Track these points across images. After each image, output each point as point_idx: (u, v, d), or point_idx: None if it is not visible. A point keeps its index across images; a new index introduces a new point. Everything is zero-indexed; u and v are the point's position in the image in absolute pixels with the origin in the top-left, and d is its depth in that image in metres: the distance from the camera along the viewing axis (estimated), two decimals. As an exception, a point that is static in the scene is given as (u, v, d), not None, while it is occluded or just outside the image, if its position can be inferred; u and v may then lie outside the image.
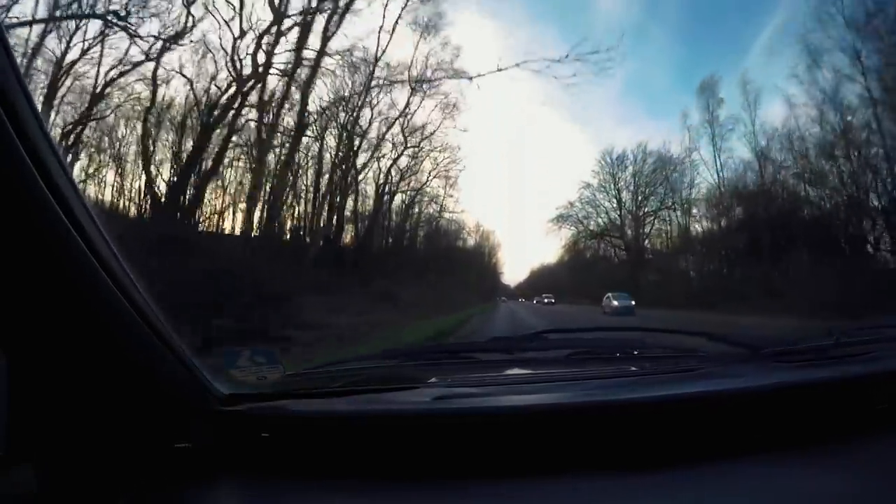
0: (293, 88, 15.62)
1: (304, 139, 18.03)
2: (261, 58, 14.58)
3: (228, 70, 14.53)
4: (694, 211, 28.74)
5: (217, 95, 14.73)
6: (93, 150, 15.41)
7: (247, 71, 14.46)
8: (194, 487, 0.64)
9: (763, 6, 39.91)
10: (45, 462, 0.59)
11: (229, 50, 14.54)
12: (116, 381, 0.61)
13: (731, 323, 9.94)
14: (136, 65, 13.78)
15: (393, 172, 23.61)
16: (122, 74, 13.94)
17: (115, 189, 16.60)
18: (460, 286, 27.36)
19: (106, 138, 15.85)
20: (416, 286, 19.60)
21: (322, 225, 20.23)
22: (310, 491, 0.63)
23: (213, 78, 14.87)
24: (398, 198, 24.99)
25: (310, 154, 19.96)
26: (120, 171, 16.46)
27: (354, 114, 19.75)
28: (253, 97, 14.84)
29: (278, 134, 16.25)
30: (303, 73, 15.63)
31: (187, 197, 14.34)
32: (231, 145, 15.29)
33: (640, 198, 32.19)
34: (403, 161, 23.72)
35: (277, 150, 17.32)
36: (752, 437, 0.65)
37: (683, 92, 47.06)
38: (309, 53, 15.40)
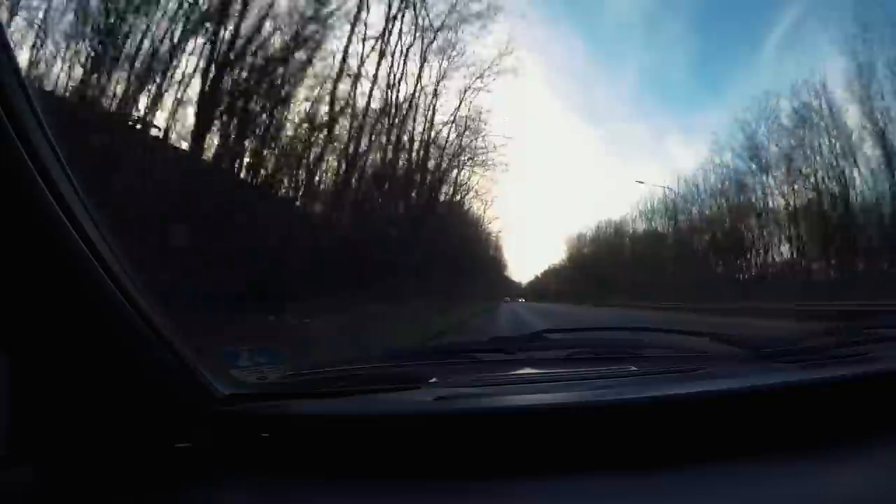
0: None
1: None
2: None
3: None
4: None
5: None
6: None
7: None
8: (194, 487, 0.64)
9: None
10: (46, 462, 0.59)
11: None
12: (117, 382, 0.61)
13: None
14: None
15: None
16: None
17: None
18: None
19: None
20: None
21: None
22: (310, 491, 0.63)
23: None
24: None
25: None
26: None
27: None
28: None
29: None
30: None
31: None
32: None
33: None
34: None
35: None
36: (753, 438, 0.65)
37: (696, 86, 46.97)
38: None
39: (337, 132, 15.54)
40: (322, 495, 0.62)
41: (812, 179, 22.23)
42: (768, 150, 24.19)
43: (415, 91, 18.39)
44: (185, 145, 11.25)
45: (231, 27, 11.90)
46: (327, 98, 14.70)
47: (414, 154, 19.88)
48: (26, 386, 0.57)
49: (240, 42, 12.04)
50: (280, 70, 13.47)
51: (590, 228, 51.81)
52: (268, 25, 12.95)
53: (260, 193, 12.60)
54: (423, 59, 18.18)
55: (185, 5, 10.87)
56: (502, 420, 0.66)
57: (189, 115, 11.51)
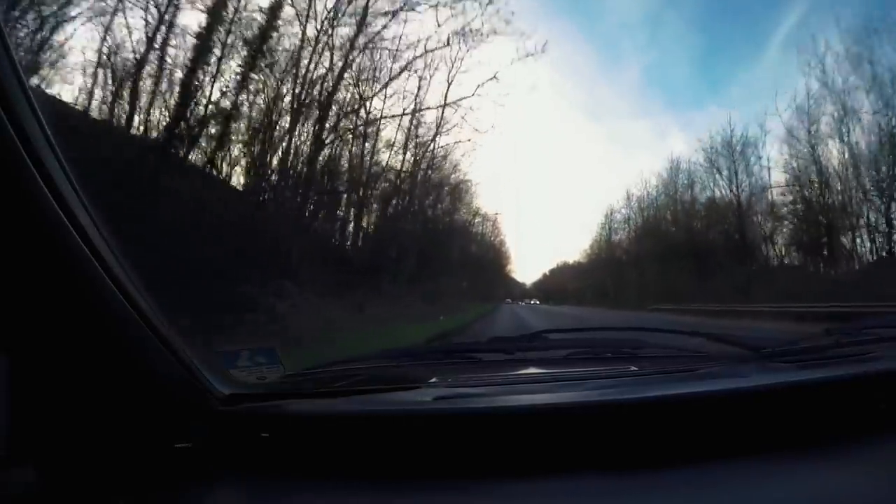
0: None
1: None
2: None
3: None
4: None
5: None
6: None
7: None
8: (194, 487, 0.64)
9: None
10: (45, 462, 0.59)
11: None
12: (116, 382, 0.61)
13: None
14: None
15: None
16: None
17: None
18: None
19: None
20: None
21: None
22: (310, 491, 0.63)
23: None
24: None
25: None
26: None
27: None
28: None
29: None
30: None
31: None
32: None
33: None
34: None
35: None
36: (753, 438, 0.65)
37: (699, 84, 46.62)
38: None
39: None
40: (322, 495, 0.62)
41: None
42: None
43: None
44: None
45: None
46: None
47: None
48: (26, 386, 0.57)
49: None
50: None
51: (644, 185, 35.33)
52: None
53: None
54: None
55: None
56: (502, 420, 0.66)
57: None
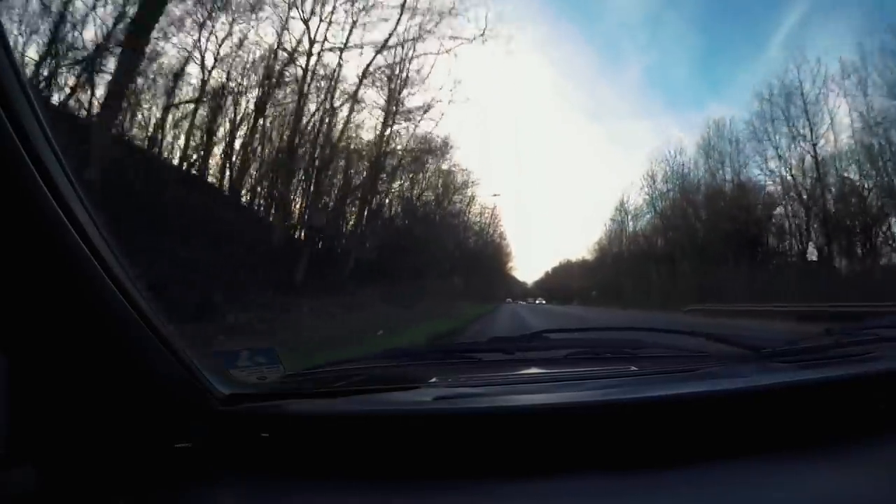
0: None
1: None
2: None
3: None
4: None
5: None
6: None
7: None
8: (194, 487, 0.64)
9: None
10: (45, 462, 0.59)
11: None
12: (116, 381, 0.61)
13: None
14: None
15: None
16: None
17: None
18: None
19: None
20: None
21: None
22: (310, 491, 0.63)
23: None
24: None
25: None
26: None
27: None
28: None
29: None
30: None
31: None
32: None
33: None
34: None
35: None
36: (753, 438, 0.65)
37: (699, 85, 46.63)
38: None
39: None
40: (322, 495, 0.62)
41: None
42: None
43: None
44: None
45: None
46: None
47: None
48: (26, 386, 0.57)
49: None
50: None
51: (672, 159, 27.30)
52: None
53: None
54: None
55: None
56: (502, 420, 0.66)
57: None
